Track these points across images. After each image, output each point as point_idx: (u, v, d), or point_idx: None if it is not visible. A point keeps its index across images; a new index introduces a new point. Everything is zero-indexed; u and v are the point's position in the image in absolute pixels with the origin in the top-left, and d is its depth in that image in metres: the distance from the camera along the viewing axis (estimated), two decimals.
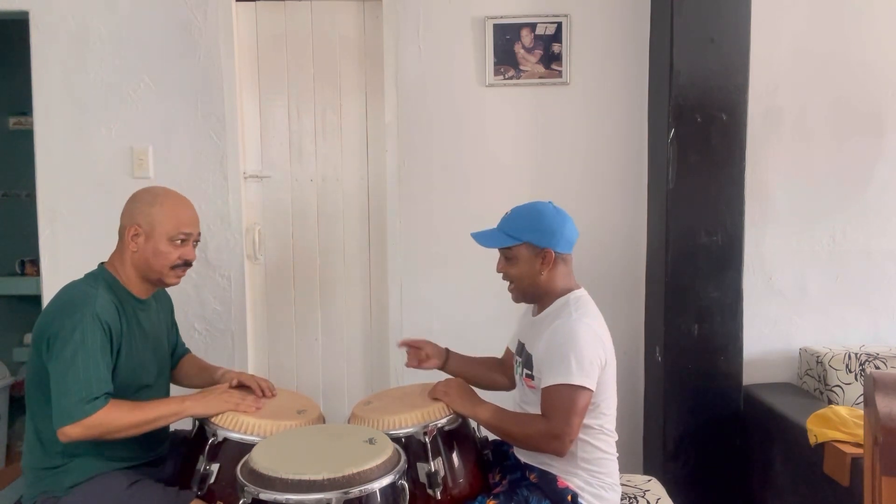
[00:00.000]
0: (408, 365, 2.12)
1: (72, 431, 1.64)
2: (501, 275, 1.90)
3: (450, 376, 2.05)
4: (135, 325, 1.85)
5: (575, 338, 1.71)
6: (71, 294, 1.79)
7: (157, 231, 1.82)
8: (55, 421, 1.65)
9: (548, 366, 1.73)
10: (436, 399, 1.87)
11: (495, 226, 1.90)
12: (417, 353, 2.10)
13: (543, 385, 1.73)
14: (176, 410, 1.77)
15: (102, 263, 1.90)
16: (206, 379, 2.06)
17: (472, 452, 1.88)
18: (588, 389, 1.69)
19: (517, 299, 1.92)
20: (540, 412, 1.75)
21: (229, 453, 1.73)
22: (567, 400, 1.68)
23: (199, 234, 1.93)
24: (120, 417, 1.69)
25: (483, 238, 1.89)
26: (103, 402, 1.67)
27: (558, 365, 1.70)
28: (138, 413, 1.72)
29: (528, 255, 1.83)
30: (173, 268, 1.86)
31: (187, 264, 1.89)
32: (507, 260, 1.87)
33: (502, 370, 2.12)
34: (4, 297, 3.90)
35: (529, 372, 1.82)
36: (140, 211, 1.84)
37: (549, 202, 1.89)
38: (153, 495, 1.73)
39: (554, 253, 1.81)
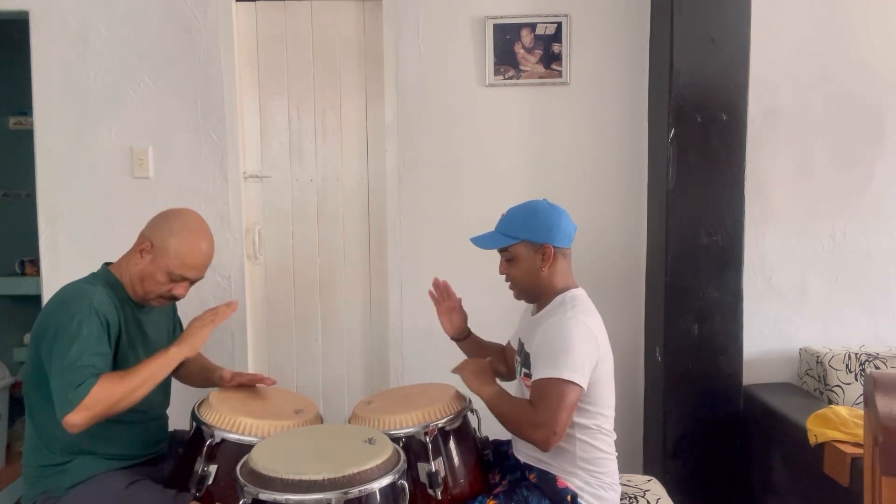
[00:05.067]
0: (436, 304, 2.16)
1: (75, 419, 1.61)
2: (504, 277, 1.91)
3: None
4: (134, 326, 1.85)
5: (568, 335, 1.71)
6: (69, 291, 1.78)
7: (163, 261, 1.80)
8: (58, 415, 1.64)
9: (540, 360, 1.74)
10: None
11: (493, 228, 1.91)
12: (451, 305, 2.13)
13: (534, 378, 1.74)
14: (165, 361, 1.75)
15: (107, 264, 1.89)
16: (206, 378, 2.06)
17: (473, 452, 1.88)
18: (577, 385, 1.68)
19: (518, 297, 1.93)
20: None
21: (227, 454, 1.72)
22: (555, 393, 1.67)
23: (202, 278, 1.89)
24: (114, 388, 1.64)
25: (482, 241, 1.90)
26: (93, 381, 1.63)
27: (550, 360, 1.70)
28: (131, 377, 1.68)
29: (528, 252, 1.83)
30: (159, 296, 1.85)
31: (173, 299, 1.88)
32: (508, 261, 1.87)
33: (504, 360, 2.14)
34: (4, 297, 3.91)
35: (527, 371, 1.82)
36: (160, 232, 1.83)
37: (544, 199, 1.90)
38: (151, 496, 1.72)
39: (553, 248, 1.82)
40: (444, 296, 2.14)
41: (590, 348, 1.73)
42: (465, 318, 2.14)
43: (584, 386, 1.70)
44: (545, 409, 1.68)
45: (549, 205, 1.88)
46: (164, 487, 1.76)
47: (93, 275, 1.87)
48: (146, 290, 1.83)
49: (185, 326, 1.91)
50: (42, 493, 1.76)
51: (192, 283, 1.88)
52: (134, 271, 1.83)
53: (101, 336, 1.71)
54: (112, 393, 1.64)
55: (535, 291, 1.88)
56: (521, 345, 1.93)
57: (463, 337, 2.14)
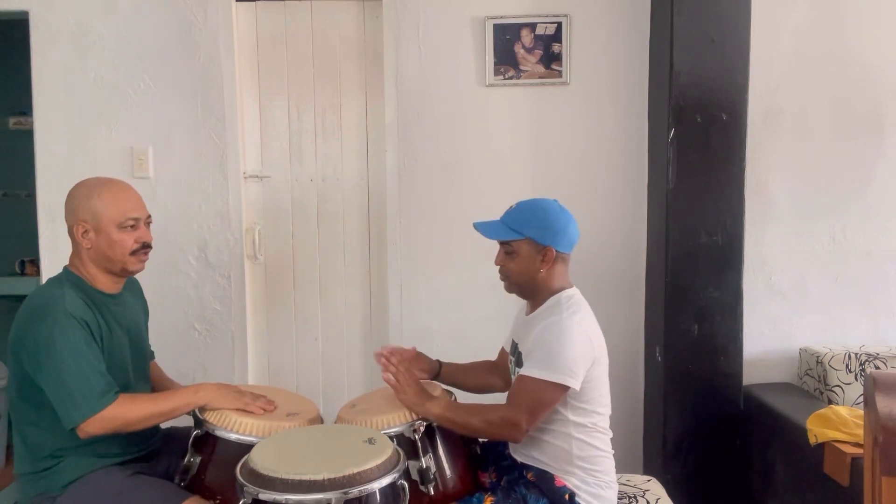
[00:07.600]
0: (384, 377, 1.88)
1: (89, 427, 1.65)
2: (499, 268, 1.89)
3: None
4: (111, 320, 1.82)
5: (563, 335, 1.72)
6: (37, 300, 1.76)
7: (104, 221, 1.78)
8: (68, 422, 1.65)
9: (531, 359, 1.74)
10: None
11: (498, 218, 1.88)
12: (409, 369, 1.92)
13: (521, 373, 1.74)
14: (189, 402, 1.78)
15: (66, 266, 1.87)
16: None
17: (460, 448, 1.88)
18: (563, 387, 1.70)
19: (509, 290, 1.91)
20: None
21: (212, 447, 1.75)
22: (536, 393, 1.69)
23: (149, 215, 1.88)
24: (136, 409, 1.70)
25: (485, 228, 1.87)
26: (114, 397, 1.67)
27: (541, 360, 1.71)
28: (153, 405, 1.74)
29: (529, 251, 1.82)
30: (133, 253, 1.82)
31: (146, 246, 1.85)
32: (507, 254, 1.85)
33: (497, 372, 2.10)
34: (4, 297, 3.90)
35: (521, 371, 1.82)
36: (80, 206, 1.80)
37: (555, 200, 1.87)
38: (152, 487, 1.72)
39: (555, 251, 1.81)
40: (395, 359, 1.90)
41: (585, 349, 1.73)
42: (426, 359, 2.04)
43: (577, 386, 1.71)
44: (520, 409, 1.70)
45: (559, 207, 1.85)
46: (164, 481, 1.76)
47: (56, 278, 1.84)
48: (119, 257, 1.80)
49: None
50: (38, 494, 1.74)
51: (148, 223, 1.87)
52: (93, 255, 1.80)
53: (88, 338, 1.70)
54: (133, 413, 1.70)
55: (529, 289, 1.87)
56: (514, 345, 1.92)
57: (436, 374, 2.05)
